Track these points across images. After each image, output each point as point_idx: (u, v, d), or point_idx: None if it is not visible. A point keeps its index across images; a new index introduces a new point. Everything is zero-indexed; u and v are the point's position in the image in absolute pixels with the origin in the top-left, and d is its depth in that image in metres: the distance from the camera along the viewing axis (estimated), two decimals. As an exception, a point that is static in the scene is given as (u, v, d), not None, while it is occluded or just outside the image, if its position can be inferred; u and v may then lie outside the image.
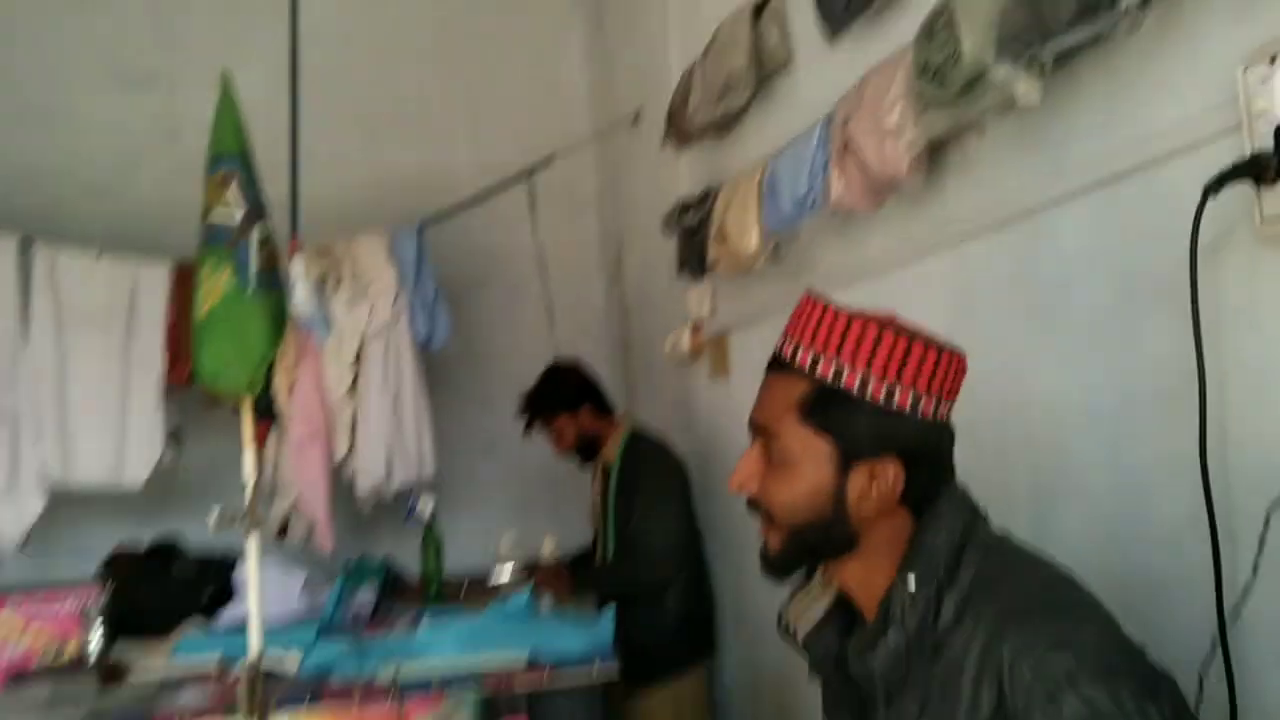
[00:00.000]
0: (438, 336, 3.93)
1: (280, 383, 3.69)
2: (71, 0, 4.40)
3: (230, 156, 2.08)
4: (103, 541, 3.45)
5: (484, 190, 4.12)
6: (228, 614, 3.07)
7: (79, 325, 3.59)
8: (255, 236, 2.04)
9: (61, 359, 3.56)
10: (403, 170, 4.65)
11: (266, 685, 2.10)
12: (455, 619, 2.72)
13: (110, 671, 2.60)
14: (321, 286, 3.73)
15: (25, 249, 3.58)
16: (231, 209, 2.04)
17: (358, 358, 3.77)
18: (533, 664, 2.47)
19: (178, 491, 3.80)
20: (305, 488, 3.63)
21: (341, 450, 3.71)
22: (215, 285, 2.03)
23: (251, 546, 2.07)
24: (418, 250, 3.91)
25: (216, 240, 2.05)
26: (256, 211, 2.08)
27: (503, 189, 4.16)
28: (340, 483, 3.79)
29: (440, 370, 4.29)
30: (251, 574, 2.03)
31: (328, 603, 3.05)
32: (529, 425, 3.64)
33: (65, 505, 3.78)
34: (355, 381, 3.76)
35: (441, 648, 2.53)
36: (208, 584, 3.22)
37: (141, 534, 3.48)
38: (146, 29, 4.57)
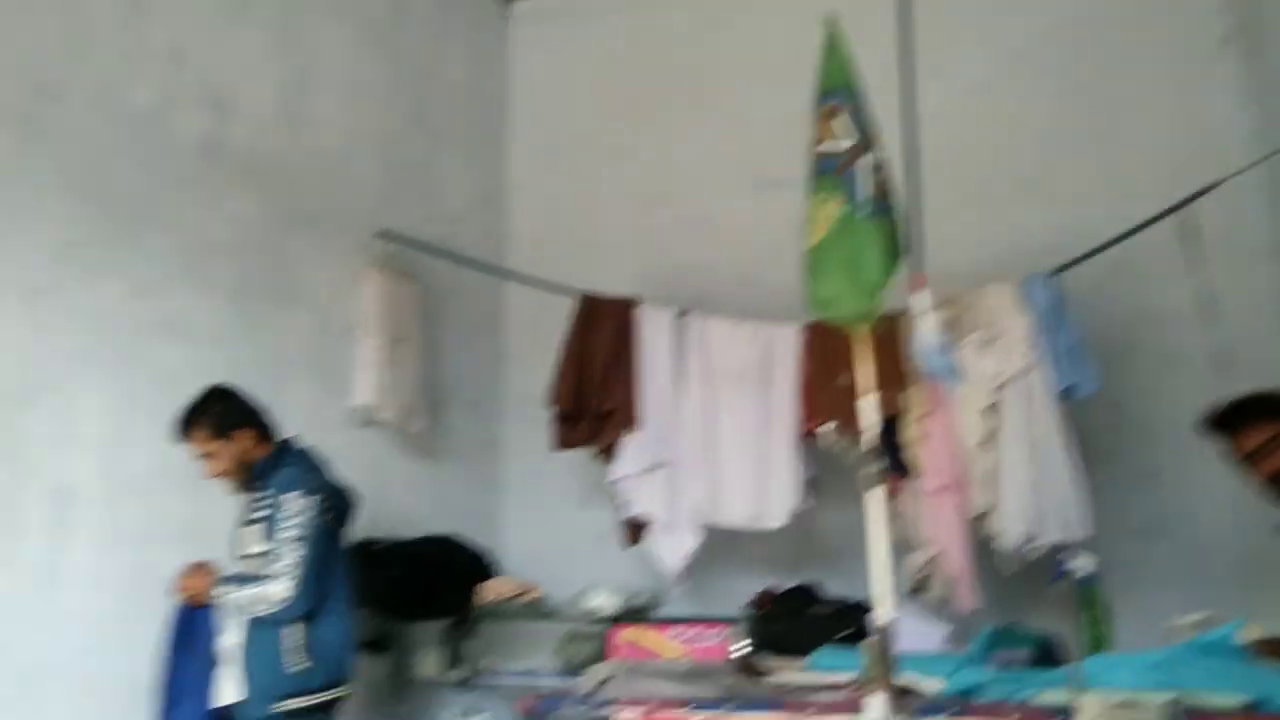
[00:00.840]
0: (1084, 385, 3.50)
1: (913, 434, 3.55)
2: (713, 117, 4.95)
3: (838, 90, 2.09)
4: (750, 586, 3.57)
5: (1125, 232, 3.68)
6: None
7: (725, 382, 3.84)
8: (866, 163, 1.98)
9: (711, 411, 3.83)
10: (1031, 234, 4.36)
11: (903, 698, 1.87)
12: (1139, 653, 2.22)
13: (750, 669, 2.57)
14: (949, 334, 3.56)
15: (679, 316, 3.99)
16: (839, 139, 2.03)
17: (992, 407, 3.49)
18: (1252, 711, 1.89)
19: (816, 545, 3.79)
20: (942, 542, 3.39)
21: (980, 504, 3.41)
22: (826, 213, 2.00)
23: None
24: (1052, 297, 3.58)
25: (825, 169, 2.05)
26: (865, 141, 2.04)
27: (1147, 225, 3.66)
28: (979, 540, 3.47)
29: (1093, 439, 3.81)
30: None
31: (972, 648, 2.73)
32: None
33: (719, 552, 4.01)
34: (993, 433, 3.48)
35: (1118, 677, 2.06)
36: (845, 624, 3.11)
37: (784, 582, 3.52)
38: (780, 140, 4.99)
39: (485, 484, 4.76)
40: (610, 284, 4.49)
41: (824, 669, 2.53)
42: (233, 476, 2.93)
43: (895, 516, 3.61)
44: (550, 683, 3.61)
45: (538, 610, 3.85)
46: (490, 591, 3.77)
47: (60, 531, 2.97)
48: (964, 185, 4.27)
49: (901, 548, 3.54)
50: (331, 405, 4.03)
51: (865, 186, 1.98)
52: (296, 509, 2.76)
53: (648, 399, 3.90)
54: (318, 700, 2.76)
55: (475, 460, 4.73)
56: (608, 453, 3.97)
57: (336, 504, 2.92)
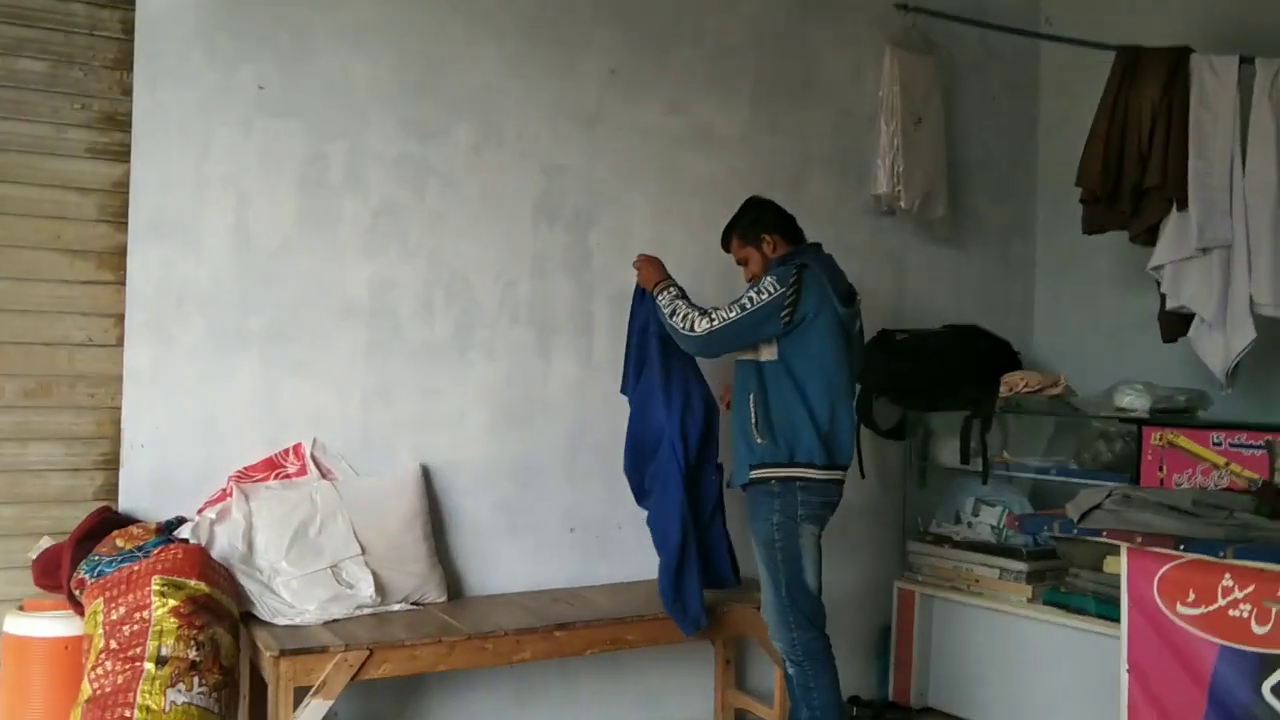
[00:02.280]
0: None
1: None
2: None
3: None
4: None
5: None
6: None
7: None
8: None
9: (1278, 180, 3.23)
10: None
11: None
12: None
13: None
14: None
15: (1245, 63, 3.33)
16: None
17: None
18: None
19: None
20: None
21: None
22: None
23: None
24: None
25: None
26: None
27: None
28: None
29: None
30: None
31: None
32: None
33: (1281, 350, 3.50)
34: None
35: None
36: None
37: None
38: None
39: (1012, 269, 4.55)
40: (1164, 27, 3.86)
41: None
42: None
43: None
44: (1071, 480, 3.54)
45: (1063, 404, 3.71)
46: (1013, 383, 3.70)
47: (622, 331, 3.49)
48: None
49: None
50: (852, 196, 4.11)
51: None
52: (760, 287, 2.93)
53: (1200, 170, 3.36)
54: (780, 474, 2.94)
55: (1002, 244, 4.52)
56: (1150, 234, 3.54)
57: (807, 305, 2.93)
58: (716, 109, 3.83)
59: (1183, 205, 3.40)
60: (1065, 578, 3.49)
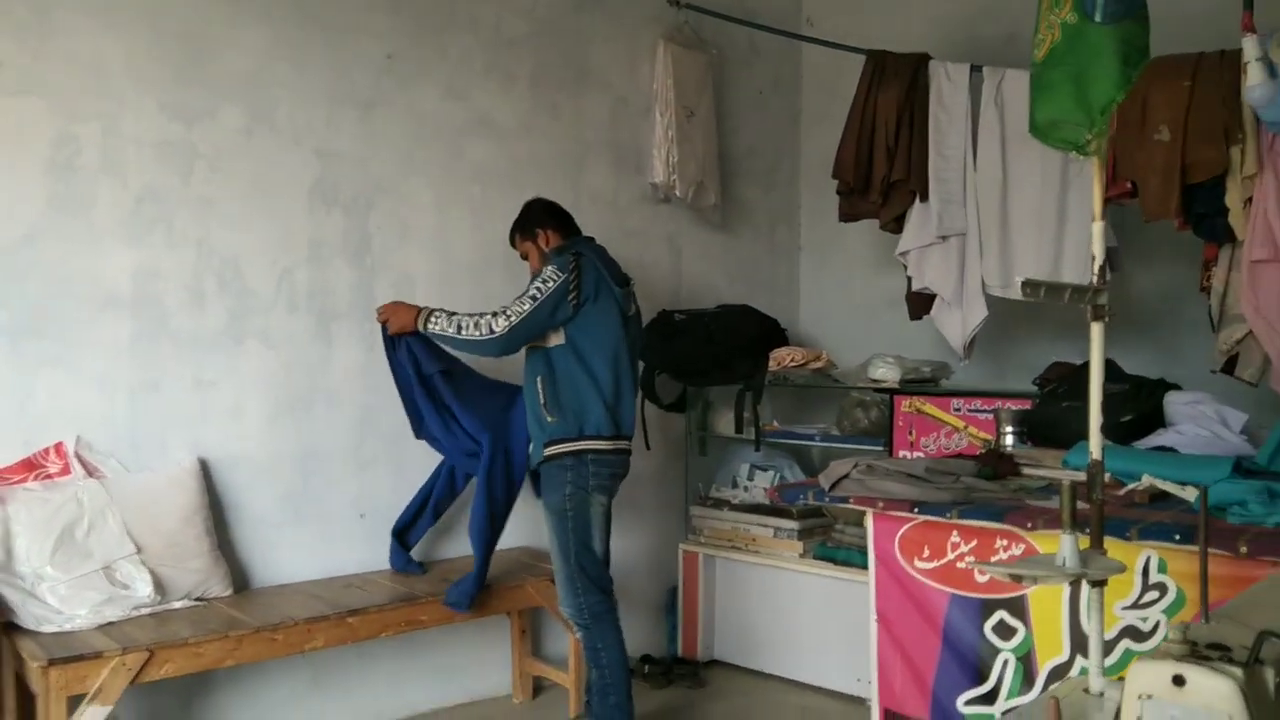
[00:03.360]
0: None
1: (1234, 197, 3.18)
2: None
3: None
4: (1045, 359, 3.50)
5: None
6: (1148, 440, 2.82)
7: (1021, 143, 3.59)
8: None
9: (1004, 175, 3.63)
10: None
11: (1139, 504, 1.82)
12: None
13: (1003, 463, 2.60)
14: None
15: (975, 71, 3.72)
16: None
17: (1339, 164, 3.01)
18: None
19: (1121, 318, 3.58)
20: (1260, 318, 3.09)
21: (1309, 277, 3.04)
22: (1055, 19, 1.74)
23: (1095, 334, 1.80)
24: None
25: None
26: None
27: None
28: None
29: None
30: (1095, 364, 1.77)
31: (1265, 445, 2.57)
32: None
33: (1015, 322, 3.95)
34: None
35: None
36: (1132, 406, 3.00)
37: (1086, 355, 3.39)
38: None
39: (779, 253, 4.88)
40: (909, 31, 4.24)
41: (1078, 467, 2.49)
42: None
43: (1204, 289, 3.34)
44: (834, 446, 3.87)
45: (825, 377, 4.03)
46: (781, 358, 3.98)
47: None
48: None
49: (1215, 318, 3.29)
50: (629, 184, 4.27)
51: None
52: (545, 277, 3.05)
53: (938, 166, 3.75)
54: (571, 449, 3.08)
55: (769, 230, 4.84)
56: (898, 223, 3.90)
57: (588, 288, 3.09)
58: (496, 97, 3.88)
59: (924, 197, 3.78)
60: (832, 533, 3.81)
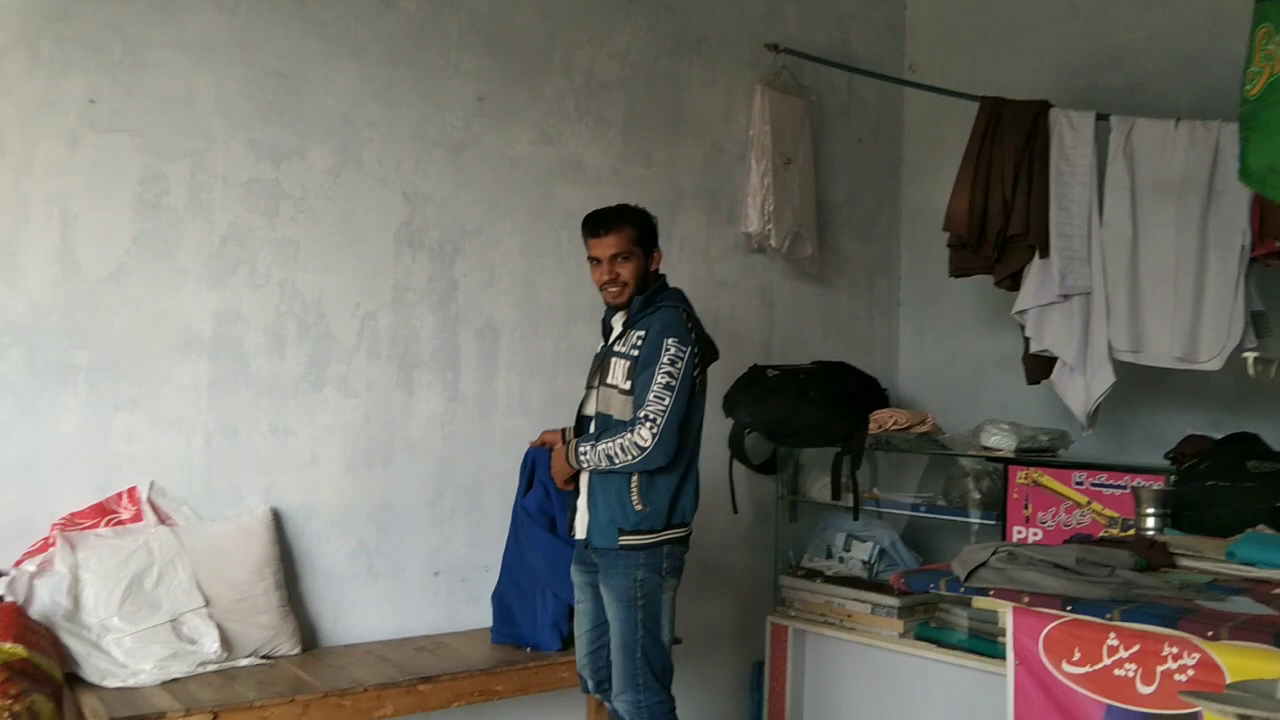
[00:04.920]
0: None
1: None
2: None
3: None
4: (1177, 432, 3.20)
5: None
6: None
7: (1155, 196, 3.33)
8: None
9: (1134, 231, 3.36)
10: None
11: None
12: None
13: (1155, 553, 2.30)
14: None
15: (1101, 119, 3.48)
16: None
17: None
18: None
19: (1266, 389, 3.26)
20: None
21: None
22: (1275, 49, 1.49)
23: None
24: None
25: (1276, -1, 1.50)
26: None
27: None
28: None
29: None
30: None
31: None
32: None
33: (1141, 390, 3.64)
34: None
35: None
36: (1288, 489, 2.69)
37: (1221, 429, 3.11)
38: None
39: (876, 308, 4.63)
40: (1022, 79, 4.01)
41: (1248, 555, 2.19)
42: (627, 292, 2.81)
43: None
44: (940, 517, 3.59)
45: (931, 442, 3.76)
46: (882, 420, 3.73)
47: (490, 364, 3.36)
48: None
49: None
50: (721, 233, 4.09)
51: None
52: (672, 356, 2.69)
53: (1060, 220, 3.48)
54: (651, 541, 2.74)
55: (868, 282, 4.60)
56: (1014, 279, 3.64)
57: (706, 358, 2.85)
58: (588, 141, 3.75)
59: (1045, 253, 3.50)
60: (936, 612, 3.52)
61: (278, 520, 3.08)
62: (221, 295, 3.04)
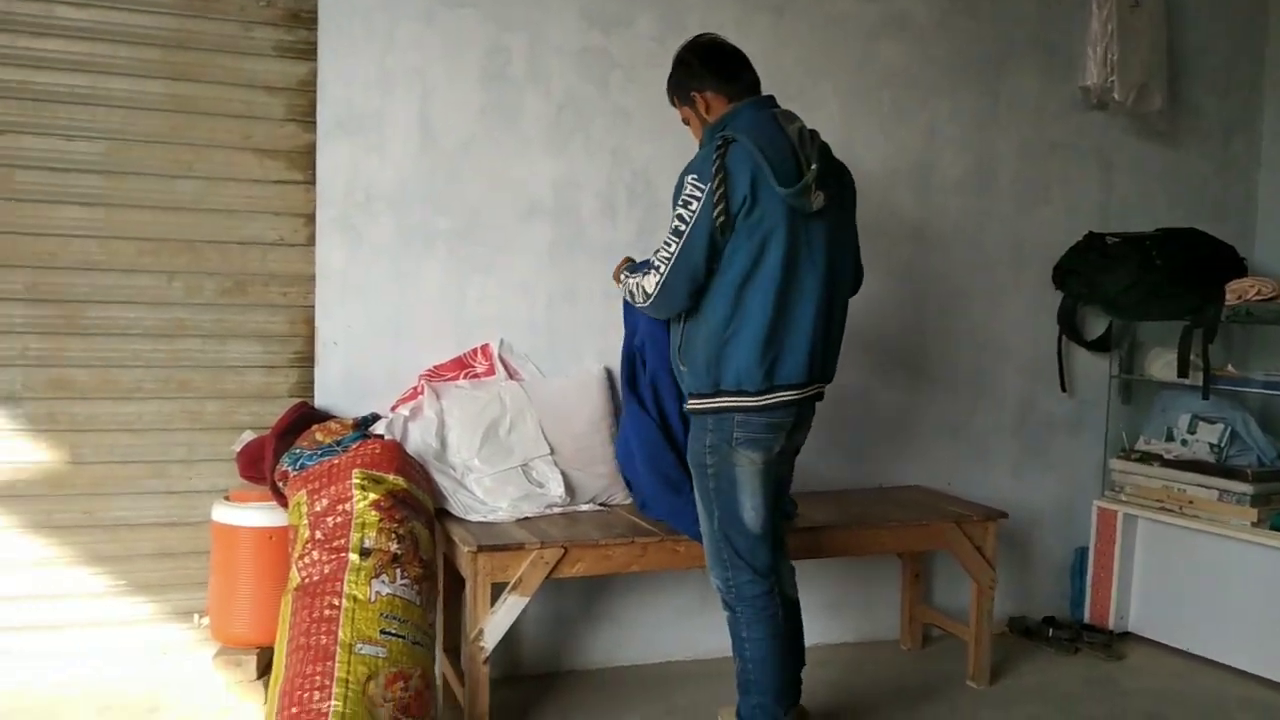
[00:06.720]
0: None
1: None
2: None
3: None
4: None
5: None
6: None
7: None
8: None
9: None
10: None
11: None
12: None
13: None
14: None
15: None
16: None
17: None
18: None
19: None
20: None
21: None
22: None
23: None
24: None
25: None
26: None
27: None
28: None
29: None
30: None
31: None
32: None
33: None
34: None
35: None
36: None
37: None
38: None
39: (1235, 169, 4.11)
40: None
41: None
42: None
43: None
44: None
45: (1297, 314, 3.36)
46: (1242, 290, 3.36)
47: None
48: None
49: None
50: (1056, 90, 3.77)
51: None
52: (685, 197, 2.33)
53: None
54: (709, 405, 2.44)
55: (1223, 142, 4.08)
56: None
57: (737, 197, 2.31)
58: (913, -6, 3.55)
59: None
60: (1295, 502, 3.21)
61: (610, 379, 3.24)
62: (560, 164, 3.18)
